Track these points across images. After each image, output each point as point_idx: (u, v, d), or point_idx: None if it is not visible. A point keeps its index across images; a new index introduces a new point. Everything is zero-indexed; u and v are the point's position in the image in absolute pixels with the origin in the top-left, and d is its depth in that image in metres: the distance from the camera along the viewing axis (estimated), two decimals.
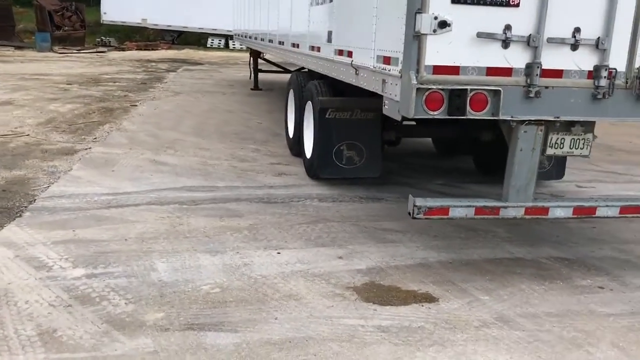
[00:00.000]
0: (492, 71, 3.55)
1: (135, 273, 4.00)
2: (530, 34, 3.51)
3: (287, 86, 8.14)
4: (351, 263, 4.30)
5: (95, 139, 8.44)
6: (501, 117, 3.56)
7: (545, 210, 3.87)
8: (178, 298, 3.67)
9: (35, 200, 5.51)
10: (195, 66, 24.07)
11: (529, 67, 3.56)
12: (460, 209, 3.78)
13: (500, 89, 3.52)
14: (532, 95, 3.58)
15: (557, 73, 3.62)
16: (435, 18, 3.40)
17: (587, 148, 3.94)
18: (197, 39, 37.84)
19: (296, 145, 7.50)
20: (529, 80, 3.57)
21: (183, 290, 3.78)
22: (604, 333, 3.41)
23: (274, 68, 16.30)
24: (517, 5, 3.47)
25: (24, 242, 4.46)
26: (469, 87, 3.49)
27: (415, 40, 3.44)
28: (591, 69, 3.65)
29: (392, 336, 3.31)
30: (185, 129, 9.52)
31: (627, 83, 3.69)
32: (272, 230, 4.94)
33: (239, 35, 16.24)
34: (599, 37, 3.59)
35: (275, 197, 5.87)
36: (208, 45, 36.50)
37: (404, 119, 3.69)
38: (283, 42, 8.38)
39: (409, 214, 3.81)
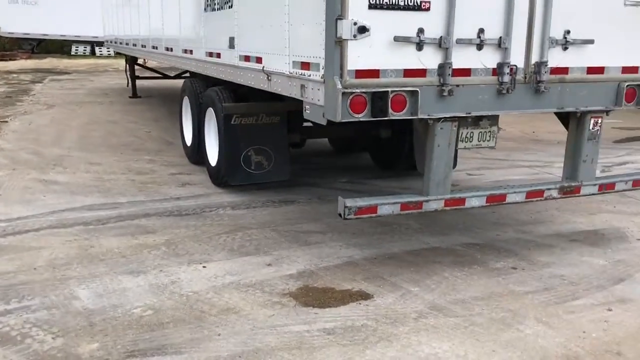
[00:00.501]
0: (408, 73, 3.70)
1: (56, 304, 3.71)
2: (441, 36, 3.71)
3: (180, 93, 7.92)
4: (281, 269, 4.30)
5: None
6: (419, 116, 3.73)
7: (462, 200, 4.11)
8: (110, 325, 3.46)
9: None
10: (63, 76, 22.64)
11: (441, 67, 3.76)
12: (387, 206, 3.91)
13: (417, 89, 3.68)
14: (445, 94, 3.78)
15: (466, 72, 3.85)
16: (355, 23, 3.48)
17: (493, 140, 4.25)
18: (59, 46, 35.51)
19: (195, 153, 7.32)
20: (442, 80, 3.77)
21: (113, 316, 3.57)
22: (527, 310, 3.70)
23: (152, 74, 15.77)
24: (428, 9, 3.65)
25: None
26: (389, 89, 3.62)
27: (337, 45, 3.50)
28: (495, 66, 3.92)
29: (338, 337, 3.36)
30: (69, 144, 8.94)
31: (525, 78, 4.02)
32: (191, 243, 4.80)
33: (112, 42, 15.48)
34: (500, 37, 3.87)
35: (185, 209, 5.71)
36: (72, 53, 34.40)
37: (330, 122, 3.75)
38: (171, 49, 8.14)
39: (340, 215, 3.87)
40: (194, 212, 5.63)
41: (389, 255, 4.59)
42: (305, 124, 6.71)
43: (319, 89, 3.77)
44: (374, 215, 3.91)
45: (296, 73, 4.12)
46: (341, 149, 8.27)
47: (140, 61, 15.18)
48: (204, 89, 7.07)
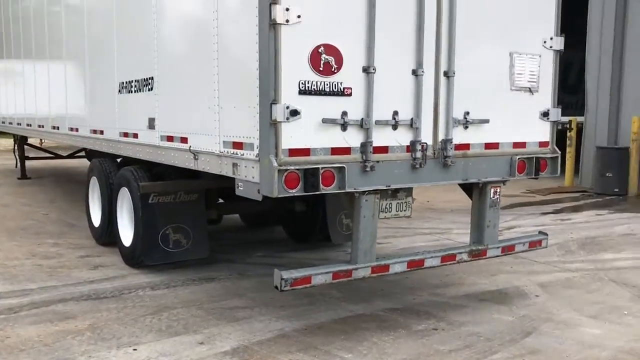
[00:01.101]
0: (335, 151, 4.04)
1: None
2: (362, 118, 4.11)
3: (87, 173, 7.77)
4: (214, 347, 4.31)
5: None
6: (347, 189, 4.05)
7: (387, 267, 4.42)
8: None
9: None
10: None
11: (363, 145, 4.14)
12: (320, 276, 4.12)
13: (344, 165, 4.02)
14: (368, 169, 4.15)
15: (384, 149, 4.26)
16: (287, 107, 3.79)
17: (409, 210, 4.64)
18: None
19: (105, 234, 7.16)
20: (364, 157, 4.14)
21: None
22: None
23: (43, 154, 15.18)
24: (350, 94, 4.05)
25: None
26: (319, 166, 3.92)
27: (272, 127, 3.78)
28: (408, 144, 4.37)
29: None
30: None
31: (434, 154, 4.50)
32: (116, 326, 4.68)
33: (3, 122, 14.81)
34: (412, 118, 4.34)
35: (103, 292, 5.55)
36: None
37: (265, 198, 3.96)
38: (77, 129, 8.04)
39: (276, 287, 4.02)
40: (112, 294, 5.49)
41: (318, 325, 4.75)
42: (220, 200, 6.91)
43: (253, 167, 3.99)
44: (308, 285, 4.09)
45: (227, 152, 4.32)
46: (253, 224, 8.42)
47: (31, 141, 14.62)
48: (115, 168, 7.03)
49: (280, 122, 3.78)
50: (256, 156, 3.94)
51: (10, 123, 13.45)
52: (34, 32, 10.24)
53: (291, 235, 7.66)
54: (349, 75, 4.03)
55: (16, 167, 14.90)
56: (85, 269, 6.34)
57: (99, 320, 4.80)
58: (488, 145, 4.78)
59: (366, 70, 4.09)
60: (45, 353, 4.16)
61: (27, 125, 11.56)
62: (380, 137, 4.22)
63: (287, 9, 3.73)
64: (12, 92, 12.68)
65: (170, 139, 5.29)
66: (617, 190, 11.92)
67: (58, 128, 9.06)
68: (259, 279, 5.98)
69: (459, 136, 4.60)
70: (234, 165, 4.25)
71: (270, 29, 3.72)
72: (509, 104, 4.84)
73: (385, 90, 4.19)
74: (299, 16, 3.77)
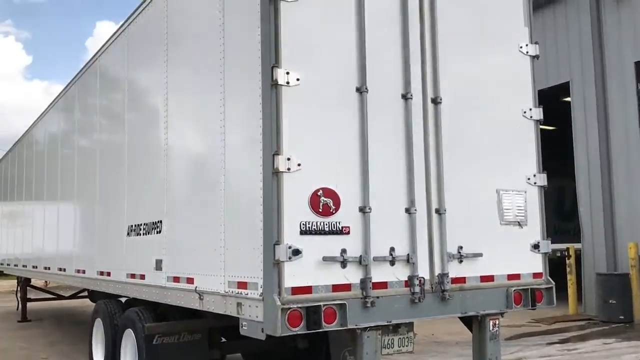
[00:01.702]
0: (336, 288, 4.22)
1: None
2: (361, 255, 4.33)
3: (92, 315, 7.82)
4: None
5: None
6: (349, 326, 4.17)
7: None
8: None
9: None
10: None
11: (363, 281, 4.32)
12: None
13: (345, 302, 4.17)
14: (368, 305, 4.29)
15: (384, 285, 4.43)
16: (290, 247, 4.03)
17: (411, 345, 4.71)
18: None
19: None
20: (364, 293, 4.31)
21: None
22: None
23: (44, 295, 15.17)
24: (348, 233, 4.31)
25: None
26: (321, 303, 4.07)
27: (275, 267, 3.99)
28: (406, 279, 4.55)
29: None
30: None
31: (432, 288, 4.66)
32: None
33: (9, 265, 15.01)
34: (408, 254, 4.56)
35: None
36: None
37: (268, 337, 4.06)
38: (84, 271, 8.22)
39: None
40: None
41: None
42: (223, 339, 6.91)
43: (257, 306, 4.14)
44: None
45: (232, 292, 4.49)
46: None
47: (33, 282, 14.71)
48: (120, 310, 7.12)
49: (283, 261, 4.00)
50: (260, 295, 4.11)
51: (16, 265, 13.66)
52: (46, 175, 10.77)
53: None
54: (347, 215, 4.32)
55: (17, 309, 14.83)
56: None
57: None
58: (483, 278, 4.95)
59: (362, 210, 4.39)
60: None
61: (33, 267, 11.76)
62: (379, 273, 4.41)
63: (289, 159, 4.10)
64: (19, 234, 13.03)
65: (176, 279, 5.46)
66: (622, 317, 11.81)
67: (64, 270, 9.24)
68: None
69: (455, 270, 4.79)
70: (239, 304, 4.40)
71: (273, 177, 4.06)
72: (500, 237, 5.08)
73: (381, 228, 4.45)
74: (299, 164, 4.13)
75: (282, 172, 4.07)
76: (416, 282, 4.55)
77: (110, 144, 7.60)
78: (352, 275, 4.31)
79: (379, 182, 4.48)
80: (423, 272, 4.63)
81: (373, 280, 4.35)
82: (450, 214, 4.80)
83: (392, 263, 4.51)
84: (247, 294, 4.30)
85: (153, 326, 6.02)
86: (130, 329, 6.44)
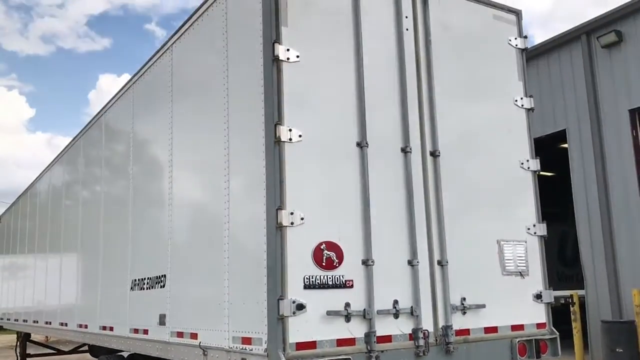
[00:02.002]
0: (341, 342, 4.22)
1: None
2: (365, 308, 4.35)
3: None
4: None
5: None
6: None
7: None
8: None
9: None
10: None
11: (367, 335, 4.32)
12: None
13: (349, 357, 4.16)
14: (373, 359, 4.28)
15: (388, 338, 4.43)
16: (294, 302, 4.05)
17: None
18: None
19: None
20: (369, 347, 4.30)
21: None
22: None
23: (44, 350, 14.97)
24: (352, 286, 4.34)
25: None
26: (326, 359, 4.07)
27: (279, 322, 4.01)
28: (410, 332, 4.55)
29: None
30: None
31: (436, 340, 4.66)
32: None
33: (9, 319, 14.88)
34: (412, 306, 4.58)
35: None
36: None
37: None
38: (86, 325, 8.18)
39: None
40: None
41: None
42: None
43: None
44: None
45: (237, 347, 4.49)
46: None
47: (33, 337, 14.54)
48: None
49: (287, 316, 4.02)
50: (264, 351, 4.10)
51: (16, 320, 13.54)
52: (49, 227, 10.80)
53: None
54: (350, 268, 4.36)
55: None
56: None
57: None
58: (487, 330, 4.95)
59: (365, 262, 4.43)
60: None
61: (34, 321, 11.67)
62: (383, 326, 4.41)
63: (292, 213, 4.17)
64: (20, 288, 12.97)
65: (180, 334, 5.45)
66: None
67: (66, 324, 9.19)
68: None
69: (459, 322, 4.79)
70: None
71: (277, 231, 4.12)
72: (502, 288, 5.11)
73: (384, 280, 4.48)
74: (302, 218, 4.20)
75: (286, 226, 4.13)
76: (420, 335, 4.54)
77: (114, 196, 7.69)
78: (356, 329, 4.31)
79: (381, 234, 4.54)
80: (427, 324, 4.63)
81: (377, 334, 4.35)
82: (452, 265, 4.84)
83: (396, 316, 4.52)
84: (251, 350, 4.29)
85: None
86: None
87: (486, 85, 5.50)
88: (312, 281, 4.19)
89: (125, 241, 6.96)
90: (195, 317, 5.24)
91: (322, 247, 4.28)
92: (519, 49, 5.76)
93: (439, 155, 4.98)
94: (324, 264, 4.26)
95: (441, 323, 4.72)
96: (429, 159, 4.95)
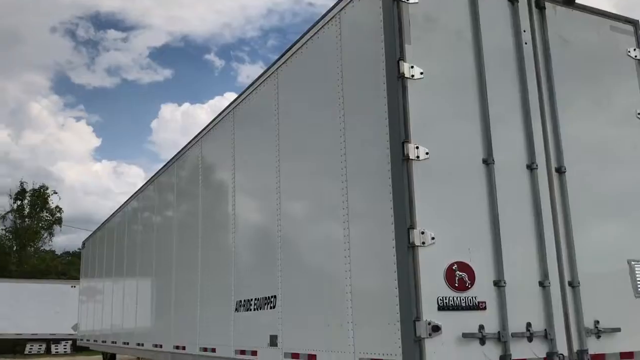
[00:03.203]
0: None
1: None
2: (499, 331, 4.19)
3: None
4: None
5: None
6: None
7: None
8: None
9: None
10: None
11: (502, 358, 4.16)
12: None
13: None
14: None
15: None
16: (429, 323, 3.95)
17: None
18: (10, 346, 34.11)
19: None
20: None
21: None
22: None
23: None
24: (485, 308, 4.20)
25: None
26: None
27: (416, 343, 3.91)
28: (545, 356, 4.35)
29: None
30: None
31: None
32: None
33: (94, 340, 15.34)
34: (545, 329, 4.38)
35: None
36: (26, 352, 32.95)
37: None
38: (184, 347, 8.29)
39: None
40: None
41: None
42: None
43: None
44: None
45: None
46: None
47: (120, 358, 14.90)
48: None
49: (424, 338, 3.91)
50: None
51: (104, 341, 13.91)
52: (142, 249, 10.98)
53: None
54: (482, 289, 4.22)
55: None
56: None
57: None
58: (623, 355, 4.68)
59: (497, 283, 4.28)
60: None
61: (124, 343, 11.95)
62: (518, 350, 4.23)
63: (423, 233, 4.08)
64: (111, 310, 13.30)
65: (295, 355, 5.41)
66: None
67: (161, 346, 9.34)
68: None
69: (593, 346, 4.55)
70: None
71: (408, 251, 4.04)
72: (636, 311, 4.83)
73: (516, 302, 4.31)
74: (433, 238, 4.11)
75: (418, 246, 4.05)
76: (556, 359, 4.34)
77: (217, 221, 7.80)
78: (491, 352, 4.15)
79: (511, 254, 4.39)
80: (561, 348, 4.42)
81: (512, 357, 4.18)
82: (583, 286, 4.62)
83: (530, 339, 4.33)
84: None
85: None
86: None
87: (607, 98, 5.30)
88: (446, 302, 4.08)
89: (228, 262, 7.03)
90: (313, 338, 5.19)
91: (453, 267, 4.17)
92: (638, 60, 5.54)
93: (565, 172, 4.80)
94: (456, 285, 4.14)
95: (576, 347, 4.49)
96: (555, 175, 4.78)
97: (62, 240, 79.82)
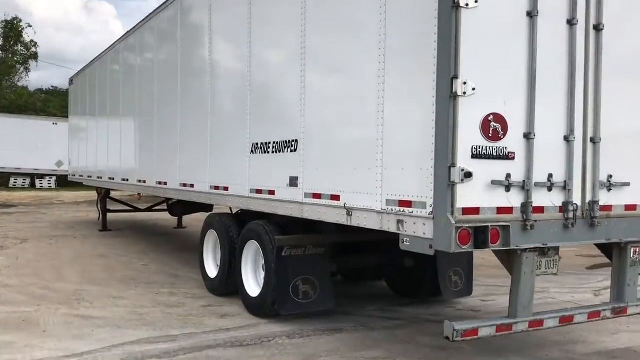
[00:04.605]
0: (500, 210, 4.36)
1: None
2: (524, 180, 4.44)
3: (204, 228, 8.22)
4: None
5: None
6: (511, 247, 4.35)
7: (542, 322, 4.64)
8: None
9: None
10: (9, 209, 22.10)
11: (524, 205, 4.45)
12: (486, 328, 4.37)
13: (509, 224, 4.32)
14: (528, 228, 4.44)
15: (541, 209, 4.56)
16: (462, 170, 4.15)
17: (556, 268, 4.88)
18: None
19: (222, 286, 7.55)
20: (525, 216, 4.44)
21: None
22: None
23: (121, 207, 15.84)
24: (513, 158, 4.41)
25: None
26: (488, 224, 4.24)
27: (449, 188, 4.14)
28: (561, 204, 4.66)
29: None
30: (74, 278, 8.86)
31: (583, 214, 4.77)
32: None
33: (86, 176, 15.63)
34: (565, 180, 4.65)
35: (244, 340, 5.85)
36: (10, 185, 33.60)
37: (437, 252, 4.28)
38: (192, 185, 8.57)
39: (447, 338, 4.27)
40: (253, 342, 5.79)
41: None
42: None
43: (424, 224, 4.33)
44: (475, 337, 4.34)
45: (392, 210, 4.68)
46: (352, 278, 8.68)
47: (112, 194, 15.36)
48: (235, 223, 7.49)
49: (457, 183, 4.13)
50: (429, 214, 4.28)
51: (100, 177, 14.20)
52: (157, 86, 10.62)
53: (396, 289, 7.90)
54: (513, 140, 4.39)
55: (98, 219, 15.59)
56: (214, 318, 6.68)
57: None
58: (628, 207, 5.03)
59: (527, 136, 4.45)
60: None
61: (123, 179, 12.24)
62: (538, 198, 4.52)
63: (465, 83, 4.14)
64: (113, 147, 13.36)
65: (317, 196, 5.68)
66: None
67: (166, 183, 9.62)
68: (386, 331, 6.22)
69: (603, 198, 4.87)
70: (399, 222, 4.59)
71: (450, 100, 4.12)
72: None
73: (542, 154, 4.52)
74: (474, 88, 4.18)
75: (459, 95, 4.12)
76: (570, 208, 4.66)
77: (230, 68, 7.68)
78: (514, 199, 4.43)
79: (543, 109, 4.51)
80: (576, 198, 4.72)
81: (533, 205, 4.47)
82: (604, 144, 4.83)
83: (550, 189, 4.61)
84: (411, 212, 4.47)
85: (283, 239, 6.34)
86: (254, 241, 6.80)
87: None
88: (479, 151, 4.26)
89: (245, 104, 7.05)
90: (337, 180, 5.40)
91: (489, 118, 4.29)
92: None
93: (602, 29, 4.79)
94: (490, 135, 4.30)
95: (588, 198, 4.80)
96: (592, 32, 4.77)
97: (35, 78, 77.57)
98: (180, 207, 13.84)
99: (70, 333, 5.98)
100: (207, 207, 12.98)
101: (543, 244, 4.57)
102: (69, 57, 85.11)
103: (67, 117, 18.99)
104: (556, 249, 4.82)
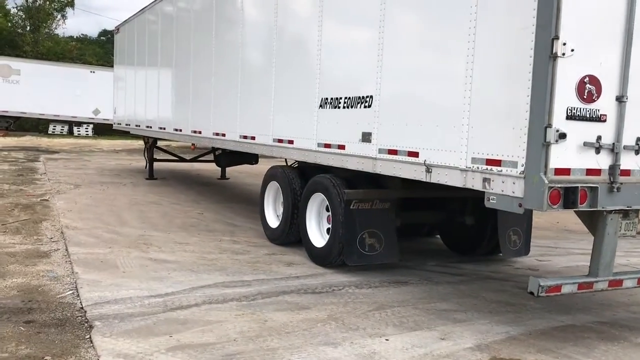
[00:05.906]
0: (589, 172, 4.44)
1: None
2: (614, 143, 4.49)
3: (266, 178, 8.40)
4: (457, 343, 4.73)
5: (52, 238, 7.82)
6: (598, 208, 4.43)
7: (621, 282, 4.76)
8: None
9: (83, 308, 5.11)
10: (54, 154, 22.65)
11: (612, 168, 4.52)
12: (569, 285, 4.51)
13: (597, 186, 4.40)
14: (614, 190, 4.51)
15: (627, 172, 4.62)
16: (557, 131, 4.21)
17: (634, 230, 4.96)
18: (34, 125, 35.39)
19: (284, 235, 7.77)
20: (612, 179, 4.51)
21: None
22: None
23: (166, 157, 16.17)
24: (605, 121, 4.44)
25: (136, 353, 4.21)
26: (578, 185, 4.31)
27: (543, 148, 4.21)
28: None
29: None
30: (137, 224, 9.18)
31: None
32: (353, 319, 5.17)
33: (135, 126, 15.87)
34: None
35: (315, 287, 6.09)
36: (50, 132, 34.31)
37: (525, 211, 4.38)
38: (253, 137, 8.72)
39: (532, 293, 4.43)
40: (325, 290, 6.02)
41: (540, 331, 5.10)
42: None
43: (514, 183, 4.42)
44: (558, 293, 4.48)
45: (478, 168, 4.77)
46: (406, 233, 8.83)
47: (161, 145, 15.62)
48: (298, 175, 7.65)
49: (551, 143, 4.20)
50: (520, 173, 4.37)
51: (149, 127, 14.41)
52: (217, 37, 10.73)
53: (453, 247, 8.06)
54: (606, 103, 4.42)
55: (145, 168, 15.93)
56: (282, 265, 6.93)
57: (333, 312, 5.32)
58: None
59: (619, 99, 4.47)
60: (312, 336, 4.70)
61: (175, 130, 12.45)
62: (625, 161, 4.57)
63: (564, 44, 4.15)
64: (172, 95, 13.49)
65: (392, 152, 5.78)
66: None
67: (224, 135, 9.80)
68: (451, 286, 6.40)
69: None
70: (485, 180, 4.69)
71: (549, 60, 4.15)
72: None
73: (632, 118, 4.55)
74: (572, 50, 4.19)
75: (559, 57, 4.15)
76: None
77: (295, 15, 7.69)
78: (603, 161, 4.50)
79: (635, 73, 4.51)
80: None
81: (621, 168, 4.53)
82: None
83: (637, 152, 4.65)
84: (500, 171, 4.56)
85: (352, 192, 6.49)
86: (320, 194, 6.96)
87: None
88: (574, 112, 4.30)
89: (314, 58, 7.10)
90: (416, 137, 5.49)
91: (585, 80, 4.32)
92: None
93: None
94: (585, 97, 4.33)
95: None
96: None
97: (69, 25, 77.65)
98: (227, 159, 14.11)
99: (148, 275, 6.27)
100: (252, 159, 13.25)
101: (627, 206, 4.64)
102: (95, 4, 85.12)
103: (103, 65, 19.18)
104: (636, 211, 4.89)
